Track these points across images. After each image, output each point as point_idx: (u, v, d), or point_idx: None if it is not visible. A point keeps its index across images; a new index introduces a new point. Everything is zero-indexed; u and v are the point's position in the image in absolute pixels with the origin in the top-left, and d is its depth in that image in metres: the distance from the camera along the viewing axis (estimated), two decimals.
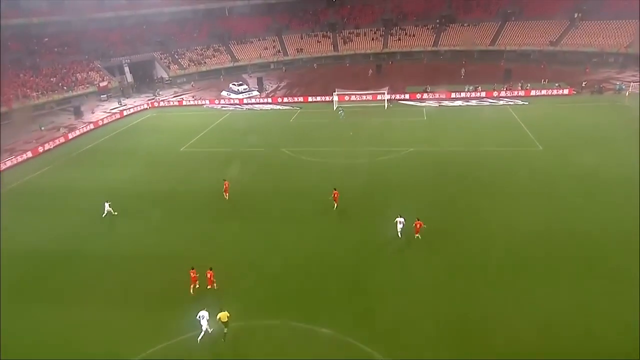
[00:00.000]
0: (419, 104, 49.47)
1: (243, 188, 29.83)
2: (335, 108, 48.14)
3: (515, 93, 49.59)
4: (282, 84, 66.44)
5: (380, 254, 21.54)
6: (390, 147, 35.67)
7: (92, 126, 48.92)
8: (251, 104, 55.75)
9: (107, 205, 26.43)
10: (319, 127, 43.24)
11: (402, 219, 21.84)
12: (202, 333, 16.05)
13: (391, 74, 65.13)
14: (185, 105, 58.40)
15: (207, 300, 17.82)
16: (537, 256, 20.57)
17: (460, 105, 47.79)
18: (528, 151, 33.23)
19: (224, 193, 27.67)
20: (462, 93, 50.05)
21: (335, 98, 49.68)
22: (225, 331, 16.30)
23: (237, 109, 54.33)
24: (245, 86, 60.69)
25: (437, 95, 50.51)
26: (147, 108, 57.28)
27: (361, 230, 23.74)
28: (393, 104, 49.34)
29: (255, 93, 60.35)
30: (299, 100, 54.19)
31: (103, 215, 26.48)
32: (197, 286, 18.99)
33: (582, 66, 59.32)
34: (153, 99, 62.46)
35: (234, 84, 61.02)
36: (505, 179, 28.83)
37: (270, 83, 67.34)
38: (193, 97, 62.01)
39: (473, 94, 49.94)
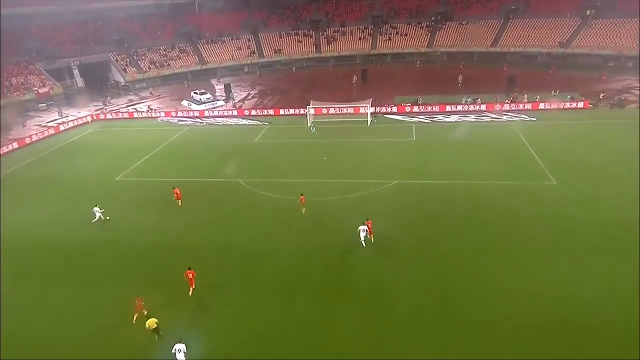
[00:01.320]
0: (408, 119, 45.16)
1: (172, 241, 24.82)
2: (309, 124, 43.74)
3: (521, 106, 45.15)
4: (253, 92, 62.17)
5: None
6: (369, 178, 31.13)
7: (15, 145, 43.36)
8: (214, 117, 51.12)
9: (96, 210, 26.43)
10: (287, 150, 38.57)
11: (365, 227, 22.29)
12: None
13: (378, 80, 61.72)
14: (136, 117, 53.24)
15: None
16: (549, 345, 15.88)
17: (456, 122, 43.46)
18: (539, 187, 28.59)
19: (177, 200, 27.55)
20: (458, 106, 45.81)
21: (312, 111, 44.97)
22: (156, 338, 16.98)
23: (196, 123, 49.57)
24: (208, 95, 56.24)
25: (429, 109, 46.20)
26: (89, 121, 51.89)
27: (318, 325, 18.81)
28: (378, 119, 45.10)
29: (220, 103, 55.92)
30: (269, 113, 49.81)
31: (93, 221, 26.55)
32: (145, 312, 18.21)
33: (597, 72, 55.25)
34: (101, 108, 57.13)
35: (196, 92, 56.61)
36: (509, 228, 24.12)
37: (240, 90, 63.12)
38: (149, 107, 56.78)
39: (471, 107, 45.52)
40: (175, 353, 15.45)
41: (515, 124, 41.21)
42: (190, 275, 19.60)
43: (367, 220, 22.74)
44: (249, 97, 59.17)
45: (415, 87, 55.25)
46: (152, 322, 16.91)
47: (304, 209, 26.11)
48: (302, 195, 26.22)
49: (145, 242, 24.91)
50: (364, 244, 22.41)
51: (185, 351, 15.51)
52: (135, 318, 18.39)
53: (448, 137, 38.78)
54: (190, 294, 19.85)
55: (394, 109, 46.70)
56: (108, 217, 27.15)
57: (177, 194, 28.37)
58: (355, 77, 60.78)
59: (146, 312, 18.17)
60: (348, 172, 32.47)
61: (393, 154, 35.63)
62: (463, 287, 19.62)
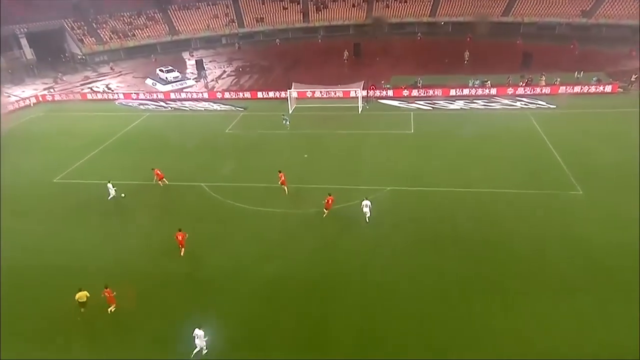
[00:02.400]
0: (405, 105, 41.16)
1: (110, 268, 21.11)
2: (290, 111, 39.92)
3: (538, 90, 41.10)
4: (230, 69, 57.63)
5: None
6: (357, 182, 27.42)
7: None
8: (181, 100, 46.71)
9: (110, 187, 26.54)
10: (262, 144, 34.60)
11: (368, 202, 22.79)
12: (197, 350, 15.99)
13: (373, 57, 57.54)
14: (90, 99, 48.56)
15: None
16: None
17: (462, 109, 39.53)
18: (561, 198, 25.01)
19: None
20: (464, 89, 41.80)
21: (294, 93, 41.04)
22: (82, 310, 17.82)
23: (160, 108, 45.20)
24: (176, 73, 51.90)
25: (430, 92, 42.09)
26: (32, 104, 47.13)
27: None
28: (371, 104, 41.30)
29: (190, 83, 51.87)
30: (245, 96, 45.66)
31: (109, 198, 26.61)
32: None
33: (626, 46, 50.81)
34: (50, 87, 52.23)
35: (162, 70, 52.34)
36: (524, 256, 20.64)
37: (215, 67, 58.64)
38: (106, 86, 52.01)
39: (480, 91, 41.47)
40: (194, 338, 15.91)
41: (531, 113, 37.35)
42: (180, 237, 21.08)
43: (329, 195, 23.54)
44: (224, 76, 54.77)
45: (415, 65, 51.50)
46: (82, 295, 17.84)
47: (285, 189, 26.13)
48: (280, 172, 26.17)
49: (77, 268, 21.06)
50: (367, 220, 22.81)
51: (204, 337, 15.83)
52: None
53: (452, 129, 34.94)
54: (181, 254, 21.28)
55: (390, 93, 42.74)
56: (123, 195, 26.93)
57: (158, 174, 28.10)
58: (346, 53, 56.75)
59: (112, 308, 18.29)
60: (332, 175, 28.72)
61: (387, 151, 31.96)
62: (463, 342, 16.18)
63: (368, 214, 22.76)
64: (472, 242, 21.63)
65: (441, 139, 33.16)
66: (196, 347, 16.04)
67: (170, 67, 52.79)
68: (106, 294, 18.12)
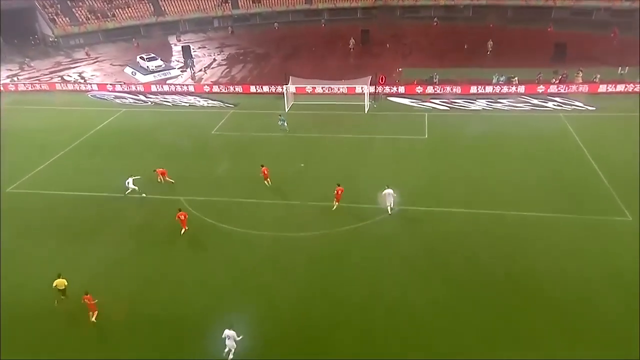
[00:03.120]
0: (419, 104, 38.94)
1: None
2: (287, 109, 38.21)
3: (574, 88, 38.66)
4: (221, 57, 55.68)
5: None
6: (360, 200, 25.20)
7: None
8: (163, 93, 44.76)
9: (130, 181, 26.46)
10: (253, 149, 32.67)
11: (390, 190, 23.36)
12: (227, 350, 16.50)
13: (383, 45, 55.34)
14: (60, 90, 46.74)
15: None
16: None
17: (484, 109, 37.37)
18: (606, 225, 22.79)
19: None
20: (487, 87, 39.57)
21: (292, 89, 39.35)
22: (62, 297, 18.93)
23: (138, 102, 43.26)
24: (159, 62, 50.19)
25: (448, 89, 39.87)
26: None
27: None
28: (379, 102, 39.24)
29: (175, 73, 50.07)
30: (237, 90, 43.75)
31: (126, 193, 26.54)
32: None
33: None
34: (14, 75, 50.20)
35: (143, 58, 50.52)
36: (563, 300, 18.45)
37: (205, 54, 56.92)
38: (79, 75, 50.05)
39: (505, 89, 39.28)
40: (225, 339, 16.37)
41: (565, 116, 34.96)
42: (182, 217, 23.07)
43: (338, 185, 24.12)
44: (214, 65, 52.73)
45: (431, 56, 49.69)
46: (60, 283, 18.78)
47: (268, 182, 26.74)
48: (263, 166, 26.72)
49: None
50: (389, 211, 23.42)
51: (235, 338, 16.31)
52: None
53: (472, 134, 32.73)
54: (182, 232, 23.01)
55: (401, 89, 40.55)
56: (144, 194, 26.64)
57: (161, 174, 27.92)
58: (352, 41, 54.59)
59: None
60: (332, 190, 26.32)
61: (396, 161, 29.88)
62: None
63: (391, 205, 23.34)
64: (497, 279, 19.55)
65: (460, 147, 30.99)
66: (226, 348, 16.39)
67: (152, 55, 50.94)
68: (86, 300, 18.08)
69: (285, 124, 34.34)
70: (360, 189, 26.24)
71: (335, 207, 24.23)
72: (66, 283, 18.75)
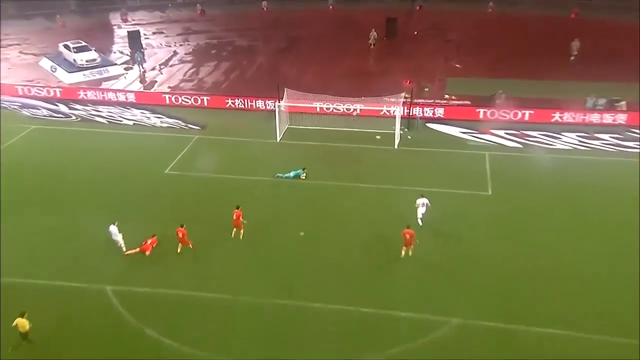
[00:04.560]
0: (472, 135, 34.56)
1: None
2: (279, 137, 33.79)
3: None
4: (184, 51, 51.20)
5: None
6: (393, 306, 20.59)
7: None
8: (96, 103, 40.13)
9: (114, 229, 24.17)
10: (227, 203, 26.69)
11: (425, 200, 24.57)
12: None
13: (417, 41, 51.66)
14: None
15: None
16: None
17: (574, 148, 32.74)
18: None
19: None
20: (575, 114, 34.99)
21: (282, 107, 34.64)
22: (22, 343, 18.30)
23: (56, 117, 38.63)
24: (92, 53, 46.38)
25: (517, 116, 35.23)
26: None
27: None
28: (415, 129, 34.96)
29: (115, 71, 46.26)
30: (204, 103, 39.50)
31: (118, 245, 24.95)
32: None
33: None
34: None
35: (69, 46, 46.86)
36: None
37: (162, 44, 52.97)
38: None
39: (605, 117, 34.93)
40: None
41: None
42: (180, 234, 23.62)
43: (408, 227, 23.23)
44: (174, 62, 48.43)
45: (487, 59, 44.77)
46: (22, 324, 18.12)
47: (240, 231, 24.92)
48: (237, 208, 24.91)
49: None
50: (420, 223, 24.26)
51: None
52: None
53: (563, 193, 27.75)
54: (178, 250, 23.34)
55: (442, 111, 36.53)
56: (134, 250, 24.22)
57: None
58: (374, 33, 50.37)
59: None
60: (347, 285, 21.96)
61: (445, 236, 24.70)
62: None
63: (422, 216, 24.49)
64: None
65: (541, 217, 25.81)
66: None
67: (83, 43, 46.29)
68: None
69: (305, 173, 29.82)
70: (390, 283, 21.72)
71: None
72: (29, 326, 18.13)
